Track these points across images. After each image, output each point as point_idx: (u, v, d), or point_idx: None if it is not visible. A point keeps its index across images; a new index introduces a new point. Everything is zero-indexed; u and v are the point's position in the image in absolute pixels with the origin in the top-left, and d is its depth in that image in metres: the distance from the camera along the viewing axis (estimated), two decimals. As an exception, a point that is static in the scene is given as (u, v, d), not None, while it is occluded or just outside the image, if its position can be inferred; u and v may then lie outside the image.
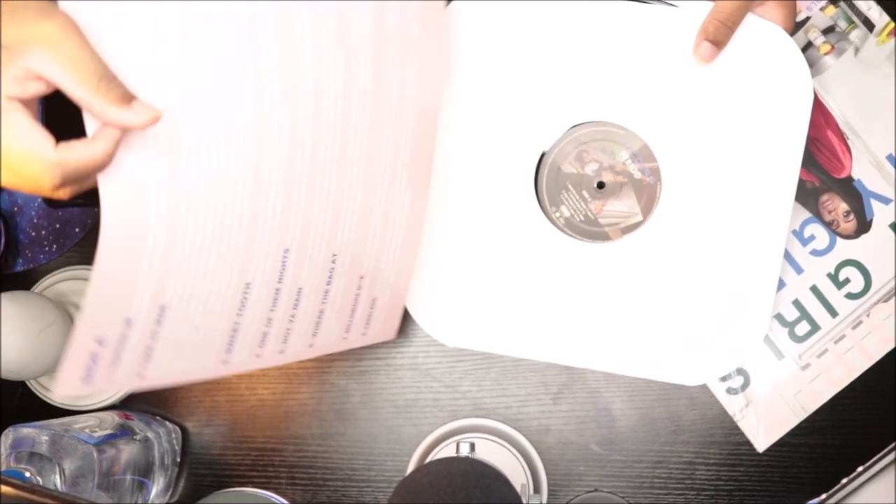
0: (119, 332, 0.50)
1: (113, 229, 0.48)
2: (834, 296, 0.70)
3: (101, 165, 0.46)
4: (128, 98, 0.45)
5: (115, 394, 0.72)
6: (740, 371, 0.70)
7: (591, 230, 0.65)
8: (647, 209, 0.64)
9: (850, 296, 0.70)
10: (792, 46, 0.62)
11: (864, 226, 0.70)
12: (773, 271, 0.63)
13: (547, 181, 0.65)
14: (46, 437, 0.61)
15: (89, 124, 0.48)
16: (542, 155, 0.65)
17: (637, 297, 0.64)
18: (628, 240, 0.64)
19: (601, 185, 0.65)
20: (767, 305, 0.63)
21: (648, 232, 0.64)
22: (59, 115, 0.51)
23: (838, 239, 0.71)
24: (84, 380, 0.49)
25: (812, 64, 0.72)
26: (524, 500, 0.58)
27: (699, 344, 0.64)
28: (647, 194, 0.64)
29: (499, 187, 0.65)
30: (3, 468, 0.60)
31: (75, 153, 0.46)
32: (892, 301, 0.70)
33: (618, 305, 0.65)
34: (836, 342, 0.70)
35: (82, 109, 0.47)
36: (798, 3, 0.72)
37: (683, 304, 0.64)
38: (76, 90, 0.46)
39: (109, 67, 0.45)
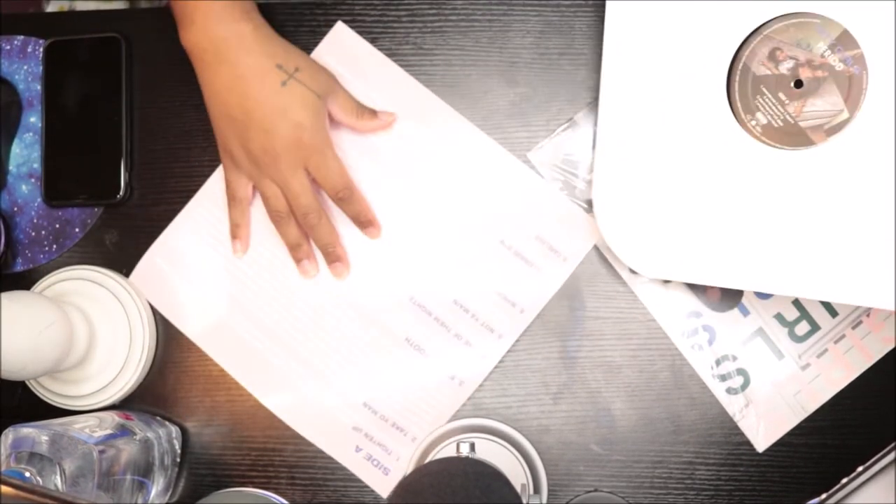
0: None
1: None
2: (834, 296, 0.70)
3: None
4: (374, 115, 0.72)
5: (115, 393, 0.72)
6: (740, 371, 0.70)
7: (792, 136, 0.59)
8: (853, 104, 0.58)
9: (850, 296, 0.70)
10: None
11: (864, 226, 0.70)
12: None
13: (739, 87, 0.60)
14: (46, 437, 0.61)
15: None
16: (732, 59, 0.59)
17: (848, 208, 0.57)
18: (834, 142, 0.58)
19: (798, 84, 0.58)
20: None
21: (857, 130, 0.57)
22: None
23: (838, 239, 0.71)
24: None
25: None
26: (524, 500, 0.58)
27: None
28: (853, 86, 0.58)
29: (688, 100, 0.60)
30: (3, 468, 0.60)
31: (367, 124, 0.73)
32: (892, 301, 0.70)
33: (827, 219, 0.58)
34: (836, 342, 0.70)
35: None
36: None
37: None
38: (347, 122, 0.72)
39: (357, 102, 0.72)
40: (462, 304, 0.72)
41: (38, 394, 0.73)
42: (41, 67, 0.76)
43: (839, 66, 0.58)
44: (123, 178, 0.75)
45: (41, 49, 0.77)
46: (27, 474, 0.59)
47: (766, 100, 0.59)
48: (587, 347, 0.72)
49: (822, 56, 0.58)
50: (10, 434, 0.61)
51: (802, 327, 0.70)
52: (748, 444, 0.70)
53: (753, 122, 0.59)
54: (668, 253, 0.60)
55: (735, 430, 0.70)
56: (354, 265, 0.73)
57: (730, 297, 0.71)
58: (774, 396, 0.70)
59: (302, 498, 0.73)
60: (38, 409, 0.73)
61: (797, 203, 0.58)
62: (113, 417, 0.69)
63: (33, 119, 0.77)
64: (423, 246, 0.73)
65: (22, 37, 0.78)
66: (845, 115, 0.58)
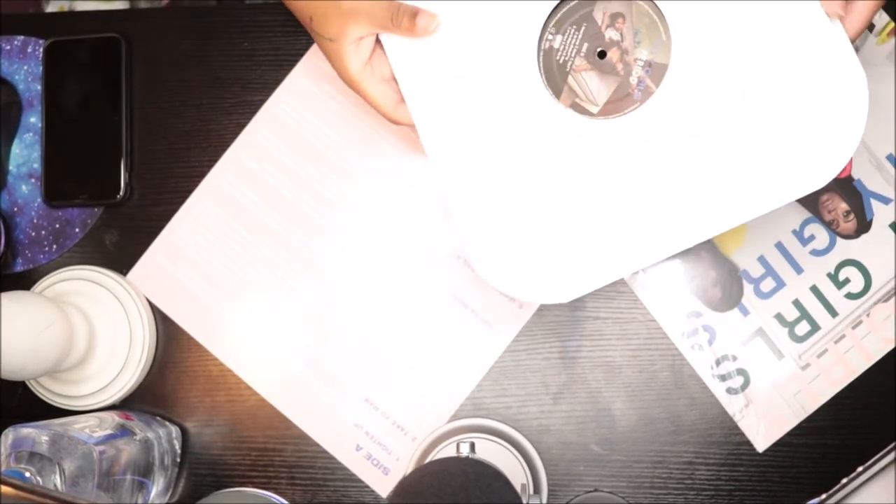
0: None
1: None
2: (834, 296, 0.70)
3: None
4: (414, 16, 0.61)
5: (115, 393, 0.72)
6: (740, 371, 0.70)
7: (612, 104, 0.60)
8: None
9: (850, 296, 0.70)
10: None
11: (864, 226, 0.70)
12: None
13: (545, 68, 0.61)
14: (46, 437, 0.61)
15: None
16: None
17: (703, 142, 0.58)
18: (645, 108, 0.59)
19: (602, 55, 0.60)
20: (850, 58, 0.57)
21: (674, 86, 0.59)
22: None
23: (838, 239, 0.71)
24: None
25: (812, 64, 0.71)
26: (524, 500, 0.58)
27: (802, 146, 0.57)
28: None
29: (505, 94, 0.61)
30: (3, 468, 0.60)
31: (404, 117, 0.64)
32: (892, 301, 0.70)
33: (668, 171, 0.59)
34: (836, 342, 0.70)
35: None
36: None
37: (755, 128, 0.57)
38: (385, 32, 0.63)
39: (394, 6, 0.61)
40: (461, 299, 0.72)
41: (38, 394, 0.73)
42: (41, 67, 0.76)
43: (636, 75, 0.60)
44: (123, 178, 0.75)
45: (41, 49, 0.77)
46: (27, 474, 0.59)
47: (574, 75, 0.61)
48: (587, 347, 0.72)
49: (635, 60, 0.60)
50: (10, 434, 0.61)
51: (802, 327, 0.70)
52: (748, 444, 0.70)
53: (569, 97, 0.60)
54: (554, 269, 0.60)
55: (735, 430, 0.70)
56: (355, 264, 0.73)
57: (730, 297, 0.71)
58: (774, 396, 0.70)
59: (302, 498, 0.73)
60: (38, 409, 0.73)
61: (637, 165, 0.59)
62: (113, 417, 0.69)
63: (33, 119, 0.77)
64: (422, 242, 0.73)
65: (22, 37, 0.78)
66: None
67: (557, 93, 0.61)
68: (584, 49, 0.60)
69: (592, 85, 0.60)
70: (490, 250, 0.60)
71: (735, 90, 0.58)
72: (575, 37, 0.60)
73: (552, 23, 0.61)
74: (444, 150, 0.62)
